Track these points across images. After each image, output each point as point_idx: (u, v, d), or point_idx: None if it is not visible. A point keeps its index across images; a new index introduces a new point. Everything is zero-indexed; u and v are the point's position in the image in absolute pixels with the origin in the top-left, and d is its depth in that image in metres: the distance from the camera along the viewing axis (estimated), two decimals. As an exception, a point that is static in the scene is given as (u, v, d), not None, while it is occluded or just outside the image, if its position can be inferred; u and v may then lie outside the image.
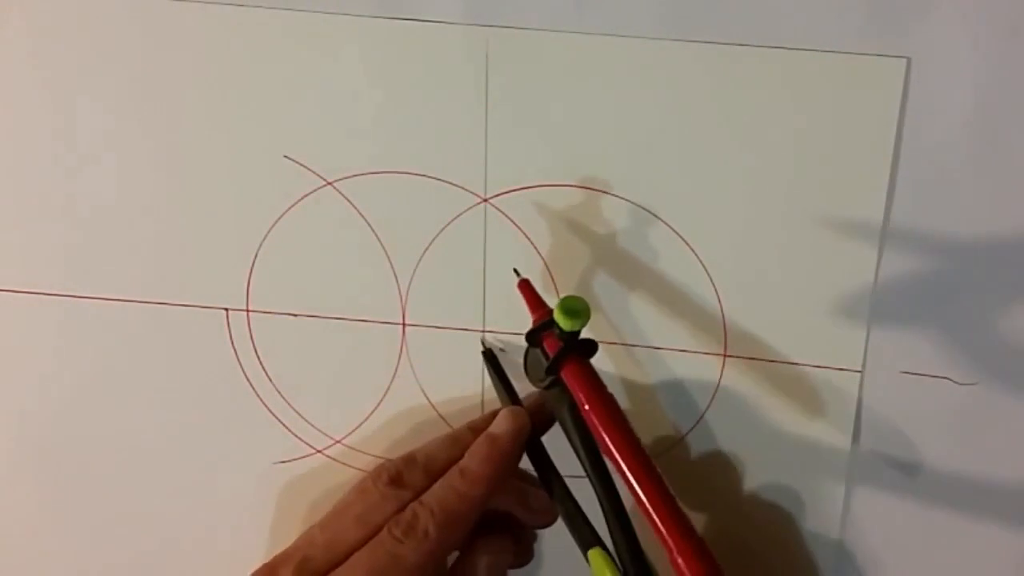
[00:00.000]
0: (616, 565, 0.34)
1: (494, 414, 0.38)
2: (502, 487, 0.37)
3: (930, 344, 0.38)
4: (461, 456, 0.37)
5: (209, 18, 0.38)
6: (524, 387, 0.41)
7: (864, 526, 0.41)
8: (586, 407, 0.35)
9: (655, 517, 0.33)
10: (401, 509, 0.35)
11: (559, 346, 0.36)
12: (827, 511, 0.41)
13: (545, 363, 0.36)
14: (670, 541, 0.32)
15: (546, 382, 0.37)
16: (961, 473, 0.40)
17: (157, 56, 0.39)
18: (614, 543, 0.35)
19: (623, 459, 0.34)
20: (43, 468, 0.46)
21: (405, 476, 0.36)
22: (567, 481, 0.38)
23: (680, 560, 0.32)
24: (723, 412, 0.41)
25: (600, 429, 0.35)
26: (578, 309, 0.35)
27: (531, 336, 0.37)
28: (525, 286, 0.38)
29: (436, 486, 0.36)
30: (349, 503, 0.36)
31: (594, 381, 0.36)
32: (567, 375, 0.36)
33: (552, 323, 0.36)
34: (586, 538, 0.36)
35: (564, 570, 0.43)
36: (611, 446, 0.34)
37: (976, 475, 0.40)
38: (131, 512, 0.46)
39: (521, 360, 0.41)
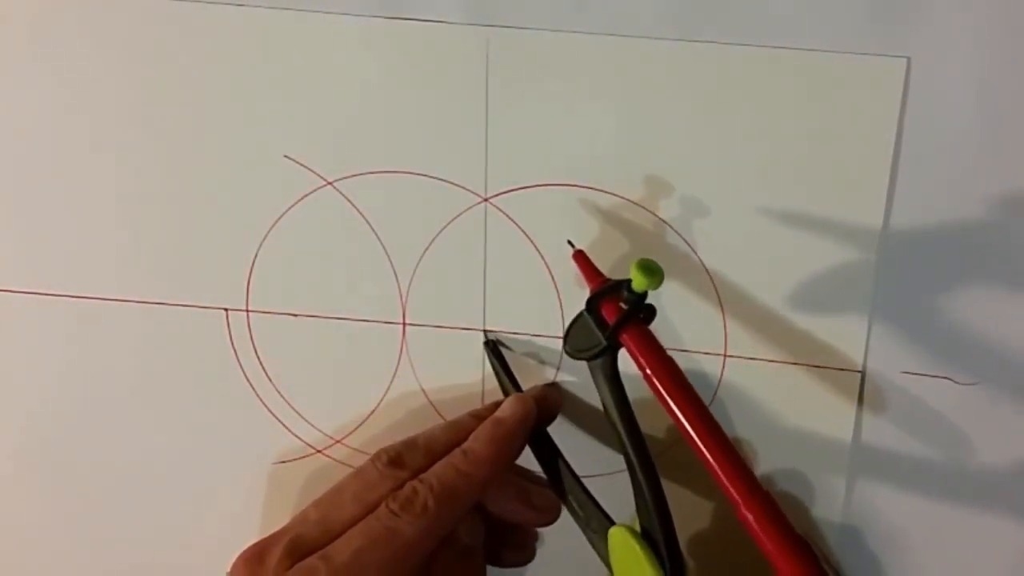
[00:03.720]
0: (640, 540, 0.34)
1: (497, 404, 0.38)
2: (503, 477, 0.37)
3: (930, 344, 0.38)
4: (462, 440, 0.37)
5: (209, 18, 0.38)
6: (527, 380, 0.41)
7: (864, 525, 0.41)
8: (648, 371, 0.34)
9: (722, 475, 0.32)
10: (400, 488, 0.35)
11: (620, 311, 0.35)
12: (827, 511, 0.41)
13: (598, 330, 0.36)
14: (737, 497, 0.32)
15: (592, 351, 0.36)
16: (961, 473, 0.40)
17: (157, 56, 0.39)
18: (645, 519, 0.35)
19: (689, 419, 0.33)
20: (43, 468, 0.46)
21: (405, 457, 0.36)
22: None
23: (748, 515, 0.32)
24: (723, 412, 0.41)
25: (664, 392, 0.34)
26: (655, 269, 0.34)
27: (591, 302, 0.36)
28: (581, 256, 0.38)
29: (437, 464, 0.36)
30: (346, 483, 0.36)
31: (657, 344, 0.35)
32: (628, 339, 0.35)
33: (612, 290, 0.35)
34: (602, 521, 0.36)
35: (564, 568, 0.43)
36: (675, 408, 0.33)
37: (976, 475, 0.40)
38: (130, 512, 0.46)
39: (523, 356, 0.41)
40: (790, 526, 0.32)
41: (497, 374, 0.41)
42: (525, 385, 0.41)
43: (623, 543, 0.35)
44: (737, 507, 0.32)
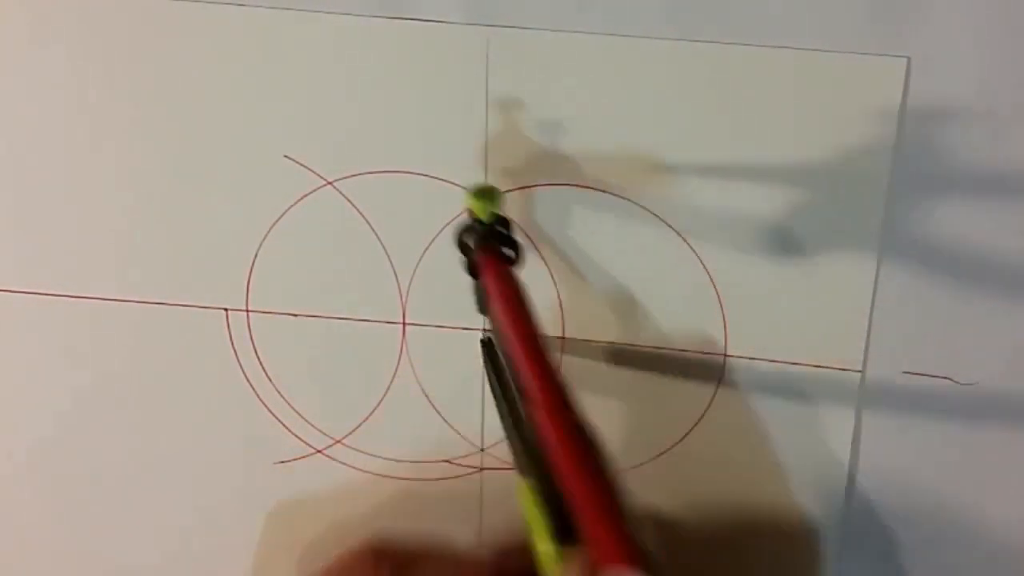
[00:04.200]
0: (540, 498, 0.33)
1: (505, 553, 0.34)
2: None
3: (930, 344, 0.38)
4: None
5: (209, 18, 0.38)
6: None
7: (864, 525, 0.41)
8: (491, 294, 0.33)
9: (531, 377, 0.31)
10: None
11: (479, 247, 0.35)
12: (827, 511, 0.41)
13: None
14: (538, 397, 0.30)
15: (482, 302, 0.35)
16: (961, 473, 0.40)
17: (156, 56, 0.39)
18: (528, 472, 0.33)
19: (518, 343, 0.31)
20: (43, 468, 0.46)
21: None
22: None
23: (540, 412, 0.30)
24: (723, 412, 0.41)
25: (501, 316, 0.32)
26: (486, 190, 0.34)
27: (460, 242, 0.35)
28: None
29: None
30: None
31: (503, 270, 0.33)
32: (483, 270, 0.34)
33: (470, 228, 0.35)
34: (522, 468, 0.34)
35: None
36: (510, 331, 0.32)
37: (976, 475, 0.40)
38: (130, 512, 0.46)
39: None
40: (580, 428, 0.30)
41: (488, 375, 0.40)
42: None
43: (523, 494, 0.34)
44: (537, 408, 0.30)
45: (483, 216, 0.34)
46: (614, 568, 0.24)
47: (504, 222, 0.36)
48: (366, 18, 0.37)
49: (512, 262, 0.35)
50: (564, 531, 0.30)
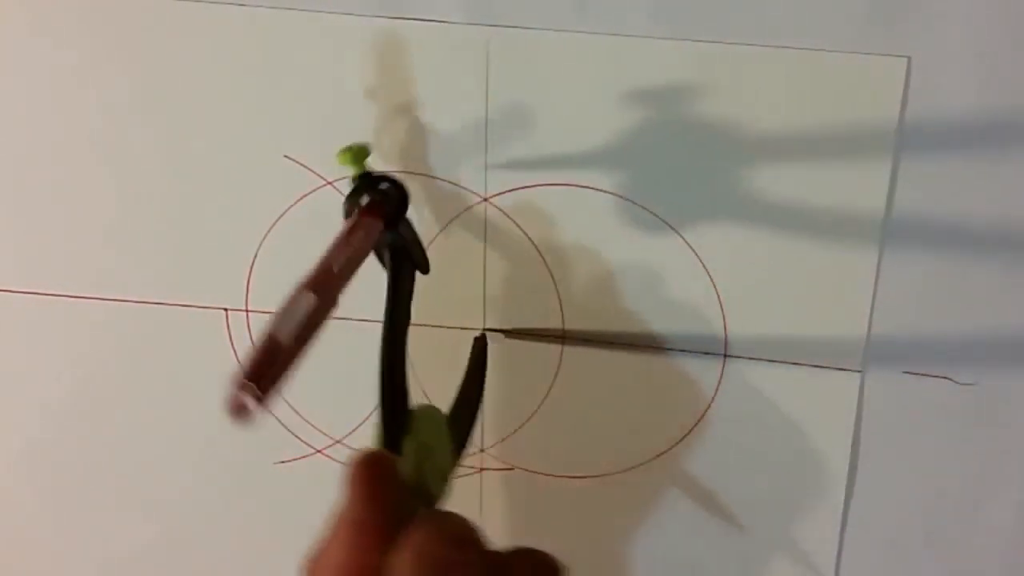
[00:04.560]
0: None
1: None
2: None
3: (930, 344, 0.38)
4: None
5: (210, 18, 0.38)
6: (525, 379, 0.41)
7: (865, 526, 0.41)
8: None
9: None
10: None
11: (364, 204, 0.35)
12: (828, 511, 0.41)
13: None
14: (310, 274, 0.32)
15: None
16: (961, 473, 0.40)
17: (157, 55, 0.39)
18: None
19: (334, 249, 0.34)
20: (43, 469, 0.46)
21: None
22: None
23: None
24: (723, 412, 0.41)
25: (336, 238, 0.34)
26: (351, 146, 0.35)
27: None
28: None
29: None
30: None
31: (365, 220, 0.34)
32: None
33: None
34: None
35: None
36: (334, 247, 0.34)
37: (976, 475, 0.40)
38: (130, 512, 0.46)
39: (520, 355, 0.41)
40: (314, 304, 0.32)
41: (469, 370, 0.40)
42: (515, 384, 0.41)
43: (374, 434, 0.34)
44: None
45: (351, 170, 0.35)
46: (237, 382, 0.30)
47: (394, 185, 0.36)
48: (366, 18, 0.37)
49: (383, 217, 0.35)
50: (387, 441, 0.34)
